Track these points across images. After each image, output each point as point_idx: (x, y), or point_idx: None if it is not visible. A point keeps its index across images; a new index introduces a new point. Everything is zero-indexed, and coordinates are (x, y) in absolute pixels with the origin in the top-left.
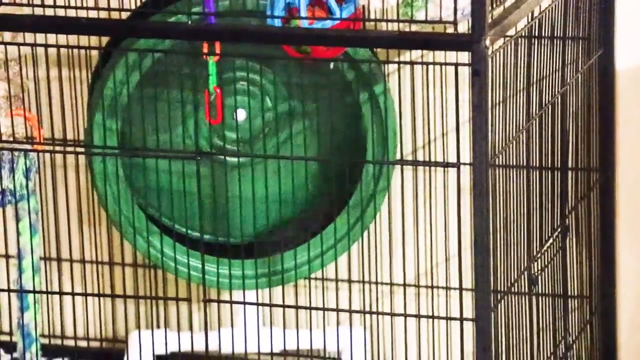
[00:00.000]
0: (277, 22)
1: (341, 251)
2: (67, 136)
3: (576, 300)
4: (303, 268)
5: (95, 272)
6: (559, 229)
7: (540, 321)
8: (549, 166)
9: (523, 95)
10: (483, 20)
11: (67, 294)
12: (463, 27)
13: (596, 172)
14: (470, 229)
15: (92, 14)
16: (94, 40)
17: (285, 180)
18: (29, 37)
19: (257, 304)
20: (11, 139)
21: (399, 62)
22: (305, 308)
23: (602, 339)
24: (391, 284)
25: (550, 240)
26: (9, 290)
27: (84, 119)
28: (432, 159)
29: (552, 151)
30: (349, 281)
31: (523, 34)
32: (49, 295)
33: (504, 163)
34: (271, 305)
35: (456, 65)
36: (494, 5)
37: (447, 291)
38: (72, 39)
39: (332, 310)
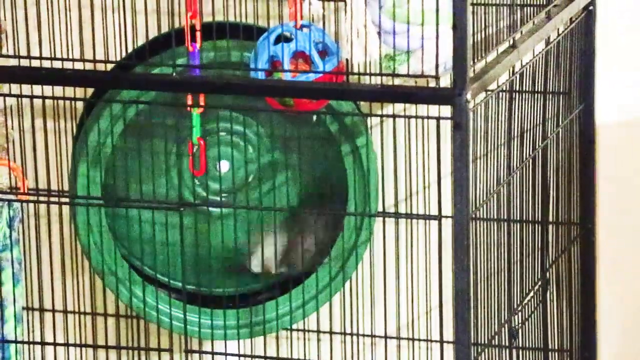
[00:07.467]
0: (261, 75)
1: (323, 302)
2: (51, 186)
3: (557, 354)
4: (285, 319)
5: (78, 322)
6: (540, 282)
7: None
8: (530, 219)
9: (504, 148)
10: (465, 74)
11: (49, 344)
12: (445, 81)
13: (577, 226)
14: (451, 282)
15: (78, 65)
16: (79, 91)
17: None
18: (15, 88)
19: (239, 355)
20: None
21: (381, 115)
22: (287, 359)
23: None
24: (372, 336)
25: (531, 294)
26: None
27: (69, 169)
28: (414, 212)
29: (533, 205)
30: (331, 332)
31: (504, 88)
32: (31, 346)
33: (485, 216)
34: (253, 357)
35: (438, 118)
36: (476, 60)
37: (428, 344)
38: (58, 90)
39: None
